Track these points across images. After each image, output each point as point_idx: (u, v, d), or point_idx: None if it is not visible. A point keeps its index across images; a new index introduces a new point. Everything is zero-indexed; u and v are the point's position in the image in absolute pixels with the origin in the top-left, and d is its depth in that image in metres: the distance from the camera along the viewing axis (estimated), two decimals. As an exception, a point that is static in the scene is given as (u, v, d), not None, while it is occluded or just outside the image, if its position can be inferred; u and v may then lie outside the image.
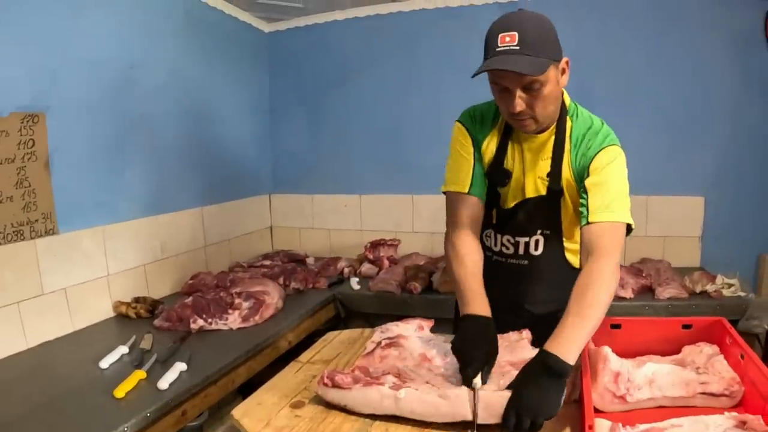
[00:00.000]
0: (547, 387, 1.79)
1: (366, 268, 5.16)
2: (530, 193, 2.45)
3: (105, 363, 3.02)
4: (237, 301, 3.80)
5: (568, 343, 1.85)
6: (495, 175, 2.47)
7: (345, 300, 4.70)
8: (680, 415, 1.79)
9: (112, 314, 3.94)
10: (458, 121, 2.58)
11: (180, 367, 2.91)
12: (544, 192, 2.42)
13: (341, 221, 5.97)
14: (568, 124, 2.39)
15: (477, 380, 1.94)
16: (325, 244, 6.08)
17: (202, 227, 4.99)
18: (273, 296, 3.99)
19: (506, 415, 1.75)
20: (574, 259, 2.56)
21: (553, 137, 2.37)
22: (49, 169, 3.45)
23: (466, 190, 2.46)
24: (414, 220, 5.69)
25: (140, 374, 2.81)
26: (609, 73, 5.04)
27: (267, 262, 5.28)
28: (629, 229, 2.23)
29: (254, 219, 5.96)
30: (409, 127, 5.48)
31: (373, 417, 1.89)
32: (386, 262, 5.17)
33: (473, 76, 2.13)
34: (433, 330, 2.58)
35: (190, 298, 3.82)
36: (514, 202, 2.50)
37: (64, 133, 3.54)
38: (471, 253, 2.39)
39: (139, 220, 4.23)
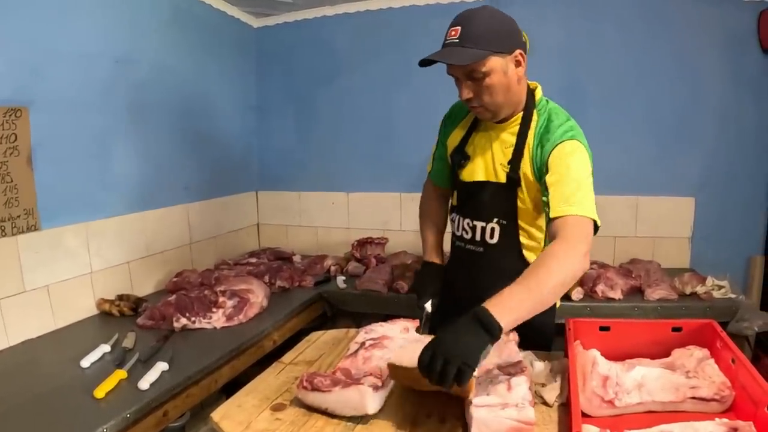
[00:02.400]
0: (469, 334, 1.78)
1: (353, 266, 5.13)
2: (489, 177, 2.59)
3: (86, 362, 2.98)
4: (221, 299, 3.76)
5: (505, 306, 1.83)
6: (454, 158, 2.71)
7: (331, 299, 4.66)
8: (670, 421, 1.77)
9: (95, 312, 3.90)
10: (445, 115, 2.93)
11: (161, 366, 2.87)
12: (503, 179, 2.52)
13: (329, 219, 5.95)
14: (534, 117, 2.51)
15: (427, 305, 2.69)
16: (313, 242, 6.06)
17: (188, 224, 4.95)
18: (258, 295, 3.95)
19: (422, 353, 1.75)
20: (531, 256, 2.61)
21: (517, 128, 2.51)
22: (31, 165, 3.40)
23: (429, 170, 3.04)
24: (402, 218, 5.66)
25: (121, 374, 2.77)
26: (600, 73, 5.04)
27: (253, 260, 5.25)
28: (596, 227, 2.25)
29: (241, 216, 5.93)
30: (398, 125, 5.46)
31: (356, 420, 1.86)
32: (373, 261, 5.15)
33: (420, 65, 2.36)
34: (419, 331, 2.56)
35: (174, 297, 3.77)
36: (474, 180, 2.64)
37: (47, 127, 3.50)
38: (431, 207, 3.04)
39: (124, 217, 4.19)
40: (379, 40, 5.47)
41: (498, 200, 2.56)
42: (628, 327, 2.41)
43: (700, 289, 4.27)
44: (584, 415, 1.87)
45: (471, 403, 1.78)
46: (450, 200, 2.91)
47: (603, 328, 2.37)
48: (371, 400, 1.83)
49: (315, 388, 1.89)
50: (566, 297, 4.22)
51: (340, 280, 4.81)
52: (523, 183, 2.48)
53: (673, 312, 4.11)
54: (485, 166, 2.59)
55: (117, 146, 4.12)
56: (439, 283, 2.80)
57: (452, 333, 1.78)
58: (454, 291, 2.79)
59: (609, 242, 5.17)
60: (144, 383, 2.70)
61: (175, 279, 4.40)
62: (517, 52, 2.34)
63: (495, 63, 2.27)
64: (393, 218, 5.69)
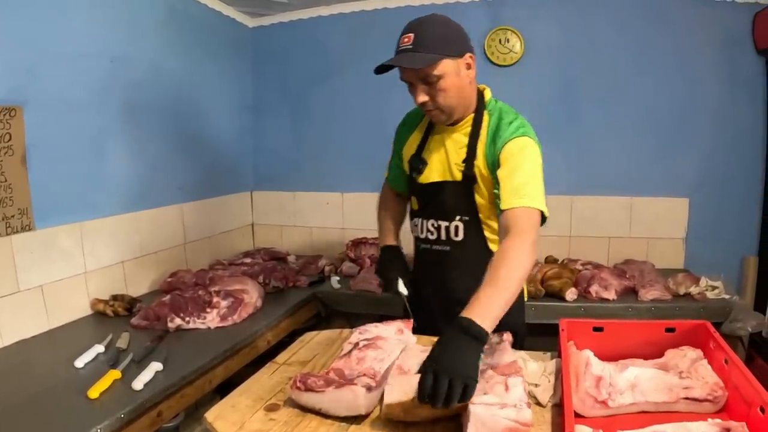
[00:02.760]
0: (464, 347, 1.85)
1: (347, 266, 5.14)
2: (446, 177, 2.70)
3: (80, 362, 2.98)
4: (215, 299, 3.75)
5: (484, 311, 1.95)
6: (412, 164, 2.80)
7: (325, 299, 4.66)
8: (663, 421, 1.77)
9: (89, 312, 3.89)
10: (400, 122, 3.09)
11: (156, 367, 2.87)
12: (459, 178, 2.64)
13: (323, 219, 5.95)
14: (485, 117, 2.64)
15: (401, 289, 2.79)
16: (307, 242, 6.06)
17: (182, 224, 4.94)
18: (252, 295, 3.94)
19: (423, 378, 1.76)
20: (496, 248, 2.55)
21: (469, 129, 2.64)
22: (26, 164, 3.40)
23: (386, 176, 3.21)
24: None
25: (115, 374, 2.76)
26: (596, 74, 5.05)
27: (248, 260, 5.24)
28: (544, 218, 2.45)
29: (235, 216, 5.91)
30: (393, 125, 5.41)
31: (350, 420, 1.87)
32: (368, 261, 5.14)
33: (376, 73, 2.53)
34: (413, 331, 2.57)
35: (168, 297, 3.76)
36: (431, 181, 2.75)
37: (42, 127, 3.49)
38: (391, 203, 3.15)
39: (118, 217, 4.18)
40: (374, 40, 5.44)
41: (458, 198, 2.66)
42: (622, 327, 2.41)
43: (693, 290, 4.29)
44: (577, 415, 1.87)
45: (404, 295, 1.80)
46: (409, 205, 3.03)
47: (596, 329, 2.37)
48: (365, 401, 1.83)
49: (308, 389, 1.88)
50: (560, 297, 4.25)
51: (335, 280, 4.81)
52: (479, 179, 2.60)
53: (666, 312, 4.12)
54: (441, 167, 2.71)
55: (112, 146, 4.11)
56: (402, 262, 2.92)
57: (446, 352, 1.83)
58: (425, 292, 2.88)
59: (603, 243, 5.18)
60: (138, 383, 2.69)
61: (169, 279, 4.39)
62: (467, 55, 2.49)
63: (447, 66, 2.41)
64: (388, 219, 5.64)
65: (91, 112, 3.91)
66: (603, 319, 2.50)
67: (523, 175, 2.42)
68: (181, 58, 4.87)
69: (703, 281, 4.37)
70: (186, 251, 4.98)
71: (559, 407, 1.94)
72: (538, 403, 1.98)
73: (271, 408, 1.97)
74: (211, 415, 1.94)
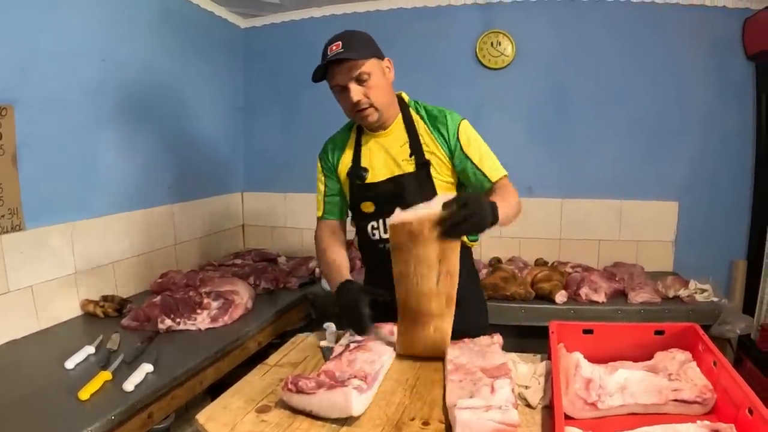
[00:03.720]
0: (485, 206, 2.18)
1: (338, 268, 5.07)
2: (397, 172, 2.80)
3: (71, 363, 2.97)
4: (206, 300, 3.75)
5: (500, 207, 2.28)
6: (353, 174, 2.88)
7: (316, 301, 4.67)
8: (652, 423, 1.78)
9: (79, 313, 3.88)
10: (319, 155, 3.19)
11: (146, 368, 2.86)
12: (412, 169, 2.76)
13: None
14: (413, 114, 2.84)
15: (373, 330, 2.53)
16: (298, 244, 6.05)
17: (173, 225, 4.94)
18: (242, 296, 3.94)
19: (456, 198, 2.13)
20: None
21: (402, 125, 2.82)
22: (16, 164, 3.39)
23: (320, 214, 3.21)
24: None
25: (106, 375, 2.76)
26: (587, 77, 5.08)
27: (238, 261, 5.24)
28: None
29: (226, 217, 5.91)
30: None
31: (341, 422, 1.86)
32: (358, 263, 5.11)
33: (315, 81, 2.74)
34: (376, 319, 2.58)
35: (159, 298, 3.75)
36: (384, 178, 2.83)
37: (33, 126, 3.49)
38: (334, 245, 3.09)
39: (109, 217, 4.17)
40: (366, 41, 5.46)
41: (416, 187, 2.75)
42: (612, 330, 2.43)
43: (683, 293, 4.31)
44: (567, 417, 1.88)
45: (454, 405, 1.79)
46: (351, 220, 3.15)
47: (586, 331, 2.38)
48: (356, 403, 1.83)
49: (300, 391, 1.89)
50: (550, 300, 4.26)
51: (325, 282, 4.74)
52: (434, 163, 2.76)
53: (656, 315, 4.14)
54: (389, 166, 2.82)
55: (103, 146, 4.12)
56: (362, 301, 2.54)
57: (476, 198, 2.19)
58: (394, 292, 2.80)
59: (593, 245, 5.19)
60: (129, 385, 2.69)
61: (159, 280, 4.39)
62: (386, 59, 2.77)
63: (375, 65, 2.62)
64: (378, 220, 5.63)
65: (83, 111, 3.91)
66: (592, 321, 2.51)
67: (487, 152, 2.77)
68: (172, 58, 4.87)
69: (692, 284, 4.39)
70: (176, 252, 4.98)
71: (549, 409, 1.95)
72: (528, 405, 1.99)
73: (263, 410, 1.97)
74: (202, 416, 1.95)
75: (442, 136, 2.74)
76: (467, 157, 2.71)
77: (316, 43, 5.63)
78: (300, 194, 5.98)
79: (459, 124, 2.74)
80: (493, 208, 2.21)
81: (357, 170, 2.84)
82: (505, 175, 2.73)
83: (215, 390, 2.62)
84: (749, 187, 4.97)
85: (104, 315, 3.79)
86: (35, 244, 3.55)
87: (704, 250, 5.09)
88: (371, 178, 2.81)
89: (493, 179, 2.69)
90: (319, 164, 3.15)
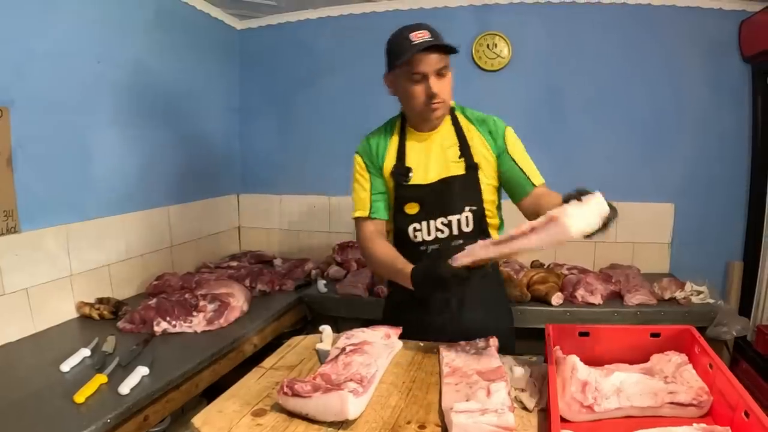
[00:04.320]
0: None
1: (334, 270, 5.13)
2: (444, 174, 2.74)
3: (66, 366, 2.97)
4: (202, 303, 3.75)
5: None
6: (397, 174, 2.79)
7: (312, 303, 4.66)
8: (648, 426, 1.76)
9: (75, 315, 3.88)
10: (356, 152, 2.98)
11: (142, 371, 2.86)
12: (462, 171, 2.73)
13: (310, 222, 5.95)
14: (459, 115, 2.82)
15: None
16: (294, 246, 6.05)
17: (169, 227, 4.93)
18: (238, 298, 3.94)
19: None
20: (494, 233, 2.85)
21: (450, 127, 2.79)
22: (11, 166, 3.38)
23: (368, 213, 2.87)
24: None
25: (101, 378, 2.76)
26: (583, 79, 5.08)
27: (234, 264, 5.25)
28: None
29: (222, 219, 5.91)
30: (379, 129, 5.47)
31: (336, 425, 1.86)
32: (354, 265, 5.16)
33: (400, 64, 2.53)
34: (400, 338, 2.59)
35: (154, 300, 3.76)
36: (434, 180, 2.76)
37: (28, 128, 3.48)
38: (382, 241, 2.82)
39: (104, 219, 4.17)
40: (361, 43, 5.45)
41: (465, 189, 2.73)
42: (607, 333, 2.42)
43: (678, 295, 4.31)
44: (563, 420, 1.88)
45: (450, 409, 1.79)
46: (394, 218, 2.90)
47: (582, 334, 2.38)
48: (352, 406, 1.82)
49: (295, 394, 1.88)
50: (546, 302, 4.26)
51: (321, 284, 4.80)
52: (483, 166, 2.74)
53: (652, 317, 4.16)
54: (437, 168, 2.76)
55: (98, 148, 4.11)
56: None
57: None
58: (434, 298, 2.82)
59: (589, 247, 5.19)
60: (124, 388, 2.69)
61: (155, 282, 4.40)
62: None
63: (449, 62, 2.58)
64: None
65: (78, 113, 3.90)
66: (589, 323, 2.51)
67: (528, 157, 2.75)
68: (168, 59, 4.87)
69: (688, 286, 4.39)
70: (172, 254, 4.97)
71: (545, 412, 1.94)
72: (525, 408, 1.98)
73: (258, 413, 1.96)
74: (198, 420, 1.94)
75: (492, 138, 2.74)
76: (513, 159, 2.71)
77: (311, 45, 5.66)
78: (296, 196, 5.99)
79: (506, 128, 2.75)
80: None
81: (402, 170, 2.79)
82: (543, 182, 2.71)
83: (212, 393, 2.62)
84: (745, 189, 4.98)
85: (100, 317, 3.79)
86: (30, 247, 3.55)
87: (700, 251, 5.10)
88: (416, 178, 2.77)
89: (536, 183, 2.67)
90: (360, 161, 2.94)
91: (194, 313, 3.67)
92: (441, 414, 1.89)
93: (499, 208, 2.90)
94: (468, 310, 2.79)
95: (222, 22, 5.69)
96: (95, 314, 3.80)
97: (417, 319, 2.74)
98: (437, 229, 2.76)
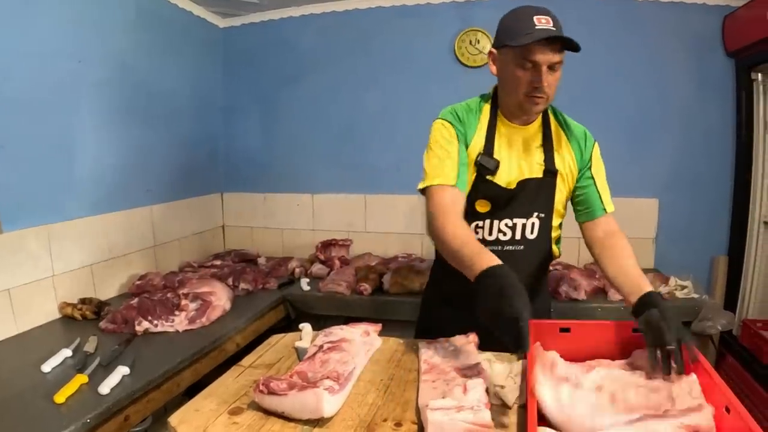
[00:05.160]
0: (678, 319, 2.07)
1: (317, 268, 5.15)
2: (527, 175, 2.59)
3: (47, 366, 2.97)
4: (183, 302, 3.75)
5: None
6: (484, 165, 2.57)
7: (295, 301, 4.66)
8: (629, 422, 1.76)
9: (57, 316, 3.87)
10: (442, 118, 2.64)
11: (122, 371, 2.87)
12: (540, 175, 2.58)
13: (294, 221, 5.97)
14: (551, 116, 2.68)
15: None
16: (278, 244, 6.05)
17: (152, 226, 4.92)
18: (220, 297, 3.94)
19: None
20: (554, 247, 2.76)
21: (540, 126, 2.63)
22: (-9, 166, 3.37)
23: (453, 183, 2.49)
24: (367, 220, 5.67)
25: (82, 378, 2.77)
26: (566, 75, 5.01)
27: (218, 262, 5.26)
28: None
29: (206, 218, 5.90)
30: (363, 127, 5.47)
31: (312, 423, 1.85)
32: (337, 263, 5.17)
33: (516, 45, 2.34)
34: (380, 334, 2.59)
35: (136, 300, 3.76)
36: (515, 182, 2.59)
37: (8, 128, 3.48)
38: (459, 215, 2.48)
39: (87, 219, 4.15)
40: (345, 41, 5.49)
41: (538, 195, 2.62)
42: (589, 328, 2.41)
43: (662, 290, 4.33)
44: (541, 417, 1.87)
45: (426, 406, 1.78)
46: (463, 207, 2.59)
47: (563, 330, 2.37)
48: (327, 404, 1.81)
49: (271, 392, 1.87)
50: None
51: (304, 282, 4.82)
52: (562, 174, 2.63)
53: (635, 312, 4.12)
54: (519, 167, 2.61)
55: (80, 147, 4.09)
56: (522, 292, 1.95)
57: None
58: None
59: (574, 243, 5.16)
60: (104, 388, 2.69)
61: (138, 282, 4.39)
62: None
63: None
64: (358, 219, 5.68)
65: (59, 112, 3.89)
66: (572, 319, 2.51)
67: (606, 181, 2.71)
68: (150, 58, 4.85)
69: (672, 281, 4.41)
70: (156, 253, 4.96)
71: (524, 408, 1.93)
72: (504, 405, 1.96)
73: (235, 411, 1.95)
74: (174, 419, 1.92)
75: (580, 149, 2.65)
76: (593, 178, 2.65)
77: (295, 43, 5.64)
78: (280, 194, 6.00)
79: (594, 144, 2.70)
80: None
81: (489, 161, 2.55)
82: (614, 210, 2.68)
83: (195, 392, 2.60)
84: (730, 184, 5.00)
85: (82, 318, 3.79)
86: (12, 248, 3.53)
87: (685, 246, 5.12)
88: (503, 178, 2.59)
89: (608, 210, 2.65)
90: (449, 127, 2.58)
91: (176, 313, 3.67)
92: (418, 411, 1.89)
93: (561, 221, 2.79)
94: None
95: (205, 21, 5.67)
96: (77, 315, 3.79)
97: (459, 316, 2.46)
98: (500, 231, 2.66)
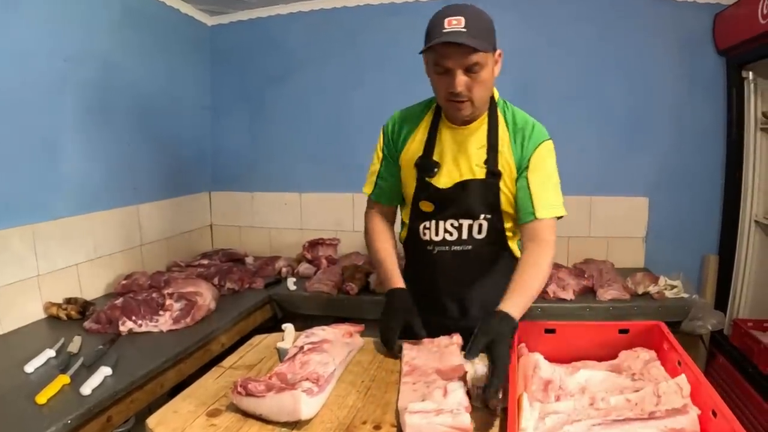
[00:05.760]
0: (509, 345, 2.05)
1: (304, 267, 5.13)
2: (467, 176, 2.59)
3: (30, 367, 2.94)
4: (168, 302, 3.71)
5: (517, 308, 2.19)
6: (423, 167, 2.64)
7: (281, 301, 4.64)
8: (615, 425, 1.74)
9: (43, 316, 3.83)
10: (384, 126, 2.84)
11: (105, 371, 2.84)
12: (482, 176, 2.56)
13: (282, 220, 5.95)
14: (500, 115, 2.61)
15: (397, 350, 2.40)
16: (266, 243, 6.04)
17: (138, 225, 4.88)
18: (205, 297, 3.91)
19: (497, 373, 1.90)
20: (513, 246, 2.73)
21: (485, 126, 2.59)
22: (-26, 166, 3.34)
23: (369, 192, 2.88)
24: (355, 219, 5.66)
25: (64, 379, 2.74)
26: (554, 73, 5.08)
27: (205, 262, 5.24)
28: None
29: (194, 217, 5.87)
30: (351, 125, 5.46)
31: (290, 426, 1.84)
32: (324, 262, 5.17)
33: (422, 52, 2.38)
34: (365, 334, 2.59)
35: (121, 299, 3.72)
36: (452, 184, 2.61)
37: (-9, 128, 3.42)
38: (385, 232, 2.85)
39: (72, 218, 4.12)
40: (333, 39, 5.49)
41: (482, 196, 2.59)
42: (575, 329, 2.41)
43: (652, 289, 4.31)
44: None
45: (405, 409, 1.76)
46: (407, 211, 2.85)
47: (548, 331, 2.36)
48: (305, 406, 1.80)
49: (249, 394, 1.85)
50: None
51: (291, 281, 4.79)
52: (505, 176, 2.57)
53: (625, 312, 4.16)
54: (460, 169, 2.61)
55: (65, 146, 4.06)
56: (406, 311, 2.55)
57: (506, 348, 2.00)
58: (436, 294, 2.79)
59: (563, 242, 5.18)
60: (86, 388, 2.66)
61: (124, 281, 4.36)
62: (499, 51, 2.46)
63: (489, 58, 2.35)
64: (346, 218, 5.67)
65: (44, 112, 3.86)
66: (560, 319, 2.51)
67: (553, 184, 2.56)
68: (137, 56, 4.81)
69: (662, 280, 4.39)
70: (142, 253, 4.93)
71: (505, 413, 1.92)
72: (487, 407, 1.95)
73: (213, 413, 1.94)
74: (152, 420, 1.92)
75: (521, 149, 2.56)
76: (527, 180, 2.52)
77: (283, 41, 5.63)
78: (267, 193, 5.98)
79: (540, 144, 2.55)
80: (512, 331, 2.11)
81: (428, 163, 2.63)
82: (555, 217, 2.52)
83: (179, 392, 2.59)
84: (720, 182, 4.98)
85: (67, 318, 3.75)
86: (-5, 248, 3.50)
87: (675, 245, 5.11)
88: (442, 179, 2.62)
89: (539, 216, 2.47)
90: (381, 137, 2.84)
91: (160, 312, 3.64)
92: (398, 414, 1.87)
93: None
94: (477, 309, 2.73)
95: (192, 18, 5.64)
96: (63, 315, 3.76)
97: (425, 319, 2.57)
98: (446, 231, 2.68)
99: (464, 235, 2.65)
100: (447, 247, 2.69)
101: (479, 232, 2.64)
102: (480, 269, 2.71)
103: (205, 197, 6.11)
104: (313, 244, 5.42)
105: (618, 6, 4.95)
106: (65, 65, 4.01)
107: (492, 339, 1.97)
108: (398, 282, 2.66)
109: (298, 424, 1.83)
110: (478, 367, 2.07)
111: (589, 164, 5.10)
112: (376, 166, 2.84)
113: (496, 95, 2.68)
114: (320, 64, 5.57)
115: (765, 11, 3.95)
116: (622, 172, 5.12)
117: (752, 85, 4.55)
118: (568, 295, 4.28)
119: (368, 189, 2.88)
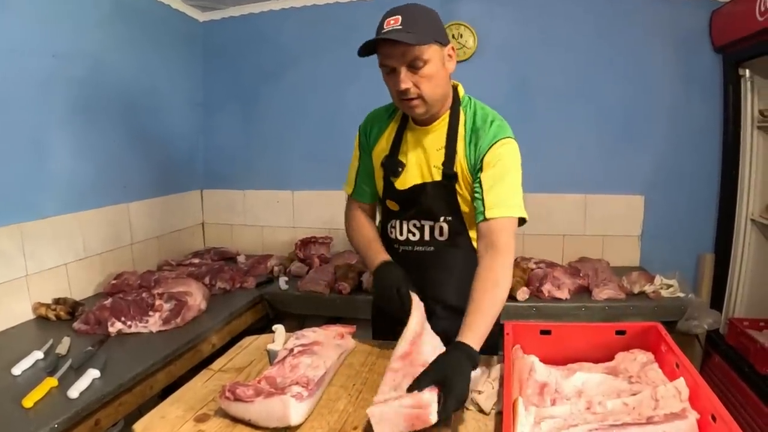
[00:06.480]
0: (468, 377, 1.90)
1: (296, 266, 5.09)
2: (426, 179, 2.58)
3: (18, 369, 2.92)
4: (158, 302, 3.68)
5: (477, 337, 2.03)
6: (388, 166, 2.65)
7: (273, 300, 4.60)
8: (612, 430, 1.70)
9: (31, 316, 3.81)
10: (359, 126, 2.86)
11: (93, 373, 2.81)
12: (439, 178, 2.54)
13: (274, 218, 5.93)
14: (461, 115, 2.55)
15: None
16: (258, 242, 6.01)
17: (129, 224, 4.85)
18: (196, 297, 3.88)
19: (446, 408, 1.78)
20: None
21: (446, 125, 2.54)
22: (-37, 164, 3.31)
23: (350, 192, 2.89)
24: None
25: (52, 382, 2.71)
26: (550, 72, 5.07)
27: (196, 261, 5.20)
28: (522, 220, 2.46)
29: (185, 215, 5.83)
30: (344, 122, 5.37)
31: (281, 431, 1.81)
32: (317, 261, 5.13)
33: (360, 55, 2.34)
34: (358, 334, 2.58)
35: (110, 300, 3.69)
36: (411, 185, 2.61)
37: (-22, 125, 3.38)
38: (366, 223, 2.84)
39: (61, 217, 4.08)
40: (326, 35, 5.46)
41: (440, 198, 2.56)
42: (571, 330, 2.37)
43: (648, 288, 4.29)
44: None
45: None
46: (380, 210, 2.90)
47: (544, 332, 2.32)
48: (294, 411, 1.78)
49: (237, 399, 1.82)
50: (511, 297, 4.17)
51: (282, 281, 4.76)
52: (460, 179, 2.51)
53: (620, 312, 4.14)
54: (420, 169, 2.60)
55: (53, 144, 4.02)
56: (404, 279, 2.51)
57: (461, 381, 1.86)
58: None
59: (558, 241, 5.16)
60: (74, 391, 2.64)
61: (114, 281, 4.33)
62: (450, 46, 2.41)
63: (435, 52, 2.30)
64: (339, 217, 5.57)
65: (32, 109, 3.82)
66: (555, 319, 2.47)
67: (507, 183, 2.42)
68: (127, 53, 4.78)
69: (658, 279, 4.38)
70: (133, 252, 4.89)
71: (500, 416, 1.88)
72: (481, 411, 1.93)
73: (201, 418, 1.90)
74: (139, 426, 1.89)
75: (474, 150, 2.47)
76: (479, 180, 2.42)
77: (275, 37, 5.60)
78: (260, 191, 5.96)
79: (495, 143, 2.43)
80: (476, 361, 1.99)
81: (393, 163, 2.63)
82: (508, 218, 2.37)
83: (170, 394, 2.56)
84: (716, 180, 4.97)
85: (56, 318, 3.72)
86: (-17, 248, 3.45)
87: (671, 244, 5.10)
88: (403, 179, 2.62)
89: (488, 215, 2.35)
90: (357, 136, 2.86)
91: (150, 313, 3.61)
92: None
93: None
94: (448, 311, 2.65)
95: (184, 14, 5.60)
96: (52, 315, 3.73)
97: (399, 319, 2.50)
98: (409, 231, 2.68)
99: (426, 236, 2.65)
100: (410, 247, 2.70)
101: (440, 234, 2.63)
102: (443, 271, 2.69)
103: (197, 195, 6.07)
104: (306, 243, 5.39)
105: (615, 3, 4.94)
106: (54, 61, 3.97)
107: (445, 375, 1.86)
108: (384, 255, 2.65)
109: (287, 429, 1.81)
110: (474, 372, 2.04)
111: (584, 162, 5.10)
112: (354, 165, 2.87)
113: (461, 91, 2.64)
114: (313, 60, 5.56)
115: (762, 8, 3.94)
116: (618, 170, 5.12)
117: (749, 83, 4.53)
118: (564, 294, 4.24)
119: (349, 189, 2.91)
